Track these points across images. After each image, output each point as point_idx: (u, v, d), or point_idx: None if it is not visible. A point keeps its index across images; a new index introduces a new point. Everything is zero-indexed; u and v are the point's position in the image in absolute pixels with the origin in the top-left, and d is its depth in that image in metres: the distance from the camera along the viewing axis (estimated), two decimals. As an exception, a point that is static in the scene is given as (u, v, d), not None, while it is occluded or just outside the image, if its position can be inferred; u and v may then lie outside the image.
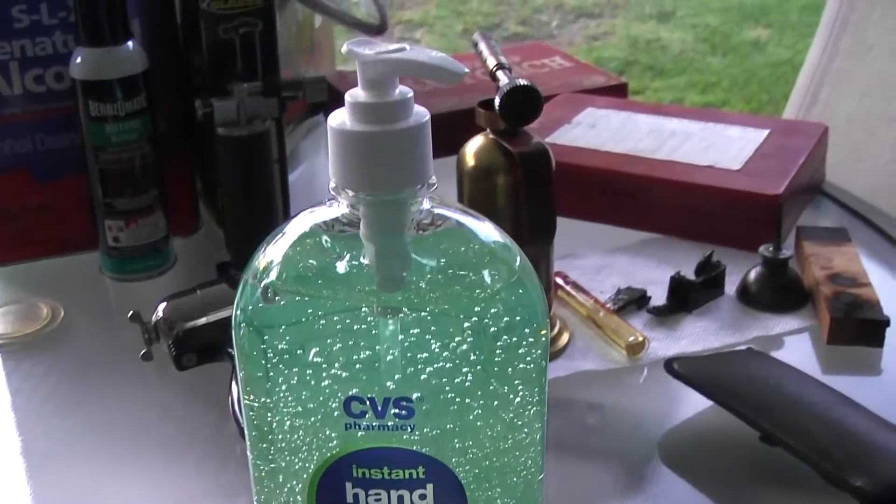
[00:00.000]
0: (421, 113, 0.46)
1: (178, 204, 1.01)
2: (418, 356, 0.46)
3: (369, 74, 0.45)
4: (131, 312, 0.81)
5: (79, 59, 0.90)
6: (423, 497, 0.48)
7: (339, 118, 0.46)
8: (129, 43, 0.91)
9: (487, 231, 0.49)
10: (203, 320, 0.81)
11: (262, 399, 0.49)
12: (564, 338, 0.86)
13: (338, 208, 0.47)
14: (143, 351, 0.81)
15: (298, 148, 1.24)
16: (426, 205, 0.47)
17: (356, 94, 0.45)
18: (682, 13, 4.58)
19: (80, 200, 0.97)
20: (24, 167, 0.98)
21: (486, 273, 0.48)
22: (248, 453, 0.52)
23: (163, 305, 0.82)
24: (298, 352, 0.47)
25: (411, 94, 0.45)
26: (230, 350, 0.79)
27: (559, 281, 0.91)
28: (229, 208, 0.94)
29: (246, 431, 0.52)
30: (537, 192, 0.77)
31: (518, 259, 0.49)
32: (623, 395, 0.82)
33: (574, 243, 0.98)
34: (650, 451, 0.76)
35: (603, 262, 0.98)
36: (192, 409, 0.80)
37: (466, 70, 0.45)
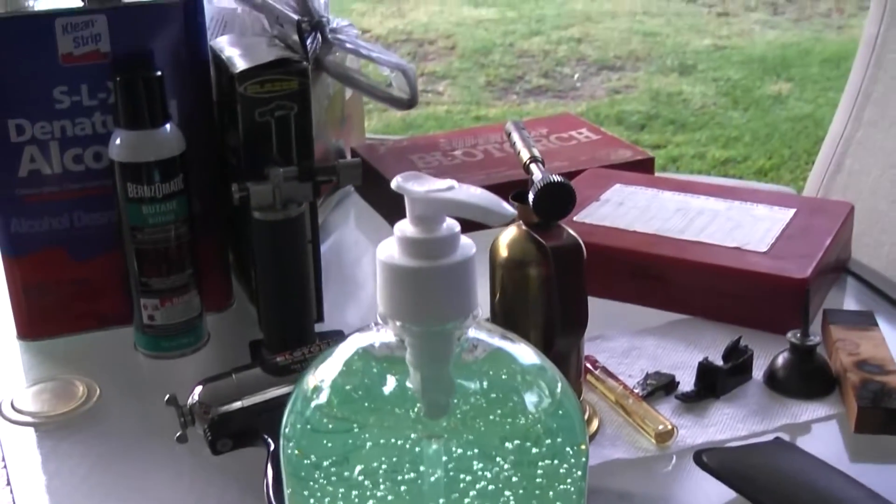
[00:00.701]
0: (467, 245, 0.47)
1: (211, 280, 1.03)
2: (461, 477, 0.47)
3: (418, 211, 0.46)
4: (168, 396, 0.82)
5: (118, 141, 0.92)
6: None
7: (388, 250, 0.47)
8: (167, 126, 0.93)
9: (527, 355, 0.50)
10: (238, 405, 0.82)
11: (307, 514, 0.50)
12: (594, 424, 0.87)
13: (385, 333, 0.49)
14: (178, 434, 0.82)
15: (328, 220, 1.26)
16: (471, 333, 0.48)
17: (405, 229, 0.47)
18: (704, 67, 4.60)
19: (116, 277, 0.99)
20: (61, 244, 1.00)
21: (527, 397, 0.49)
22: (292, 565, 0.53)
23: (198, 389, 0.83)
24: (345, 472, 0.48)
25: (458, 228, 0.46)
26: (265, 436, 0.80)
27: (588, 366, 0.92)
28: (262, 289, 0.95)
29: (290, 543, 0.53)
30: (570, 286, 0.78)
31: (558, 382, 0.50)
32: (652, 484, 0.83)
33: (602, 324, 0.99)
34: (680, 542, 0.77)
35: (631, 344, 0.99)
36: (227, 495, 0.81)
37: (514, 212, 0.46)
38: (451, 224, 0.47)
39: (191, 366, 0.96)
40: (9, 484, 0.83)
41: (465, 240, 0.47)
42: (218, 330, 1.02)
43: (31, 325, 1.02)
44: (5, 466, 0.85)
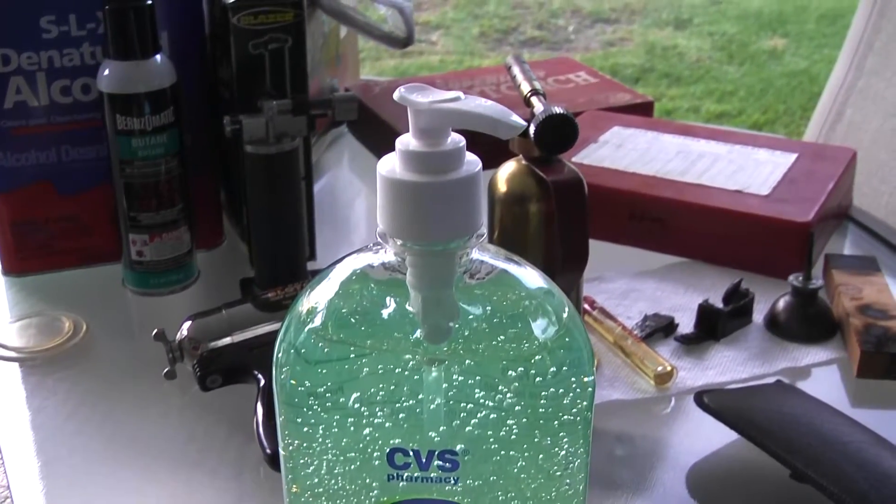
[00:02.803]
0: (472, 162, 0.45)
1: (202, 217, 1.00)
2: (462, 405, 0.46)
3: (422, 123, 0.44)
4: (156, 331, 0.80)
5: (107, 72, 0.90)
6: (463, 548, 0.47)
7: (389, 164, 0.45)
8: (158, 56, 0.90)
9: (533, 279, 0.48)
10: (228, 340, 0.80)
11: (301, 443, 0.48)
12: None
13: (384, 254, 0.47)
14: (166, 370, 0.81)
15: (321, 160, 1.23)
16: (475, 254, 0.46)
17: (407, 142, 0.45)
18: (700, 21, 4.56)
19: (104, 213, 0.97)
20: (48, 179, 0.97)
21: (532, 323, 0.47)
22: (285, 496, 0.51)
23: (188, 324, 0.81)
24: (340, 399, 0.46)
25: (464, 142, 0.44)
26: (256, 372, 0.78)
27: (586, 306, 0.91)
28: (255, 225, 0.93)
29: (283, 473, 0.51)
30: (571, 222, 0.76)
31: (566, 308, 0.48)
32: (651, 425, 0.82)
33: (601, 266, 0.97)
34: (679, 483, 0.75)
35: (630, 286, 0.97)
36: (216, 432, 0.80)
37: (524, 123, 0.44)
38: (456, 138, 0.45)
39: (180, 303, 0.94)
40: (-7, 419, 0.81)
41: (470, 156, 0.45)
42: (208, 268, 1.00)
43: (17, 261, 1.00)
44: (-11, 401, 0.83)
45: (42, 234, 0.99)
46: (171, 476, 0.76)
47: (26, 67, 0.93)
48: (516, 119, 0.44)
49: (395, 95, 0.44)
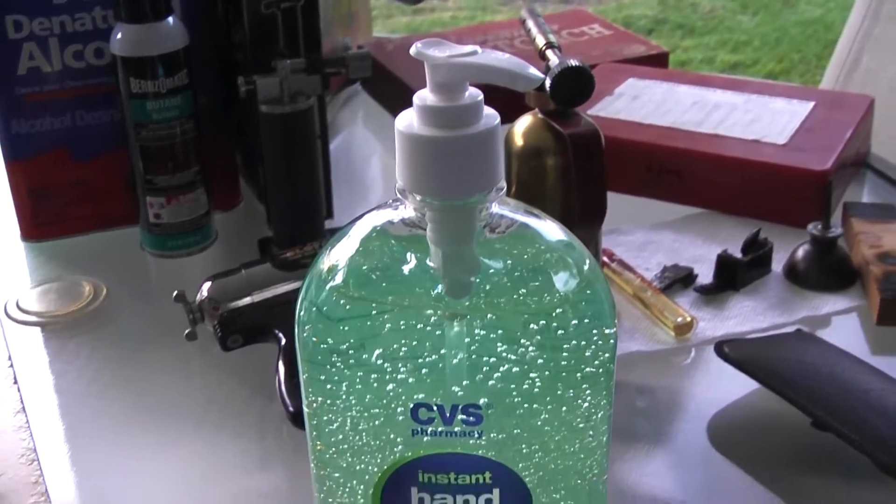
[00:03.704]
0: (491, 115, 0.45)
1: (219, 179, 1.00)
2: (485, 360, 0.46)
3: (440, 78, 0.43)
4: (176, 293, 0.80)
5: (119, 36, 0.90)
6: (488, 502, 0.48)
7: (407, 120, 0.45)
8: (170, 19, 0.90)
9: (554, 232, 0.48)
10: (248, 300, 0.80)
11: (325, 400, 0.48)
12: (611, 318, 0.85)
13: (404, 210, 0.47)
14: (187, 331, 0.81)
15: (336, 119, 1.23)
16: (494, 208, 0.46)
17: (425, 97, 0.44)
18: (712, -30, 4.53)
19: (120, 177, 0.97)
20: (63, 144, 0.97)
21: (553, 276, 0.47)
22: (310, 453, 0.51)
23: (207, 285, 0.81)
24: (363, 355, 0.46)
25: (481, 96, 0.44)
26: (276, 331, 0.79)
27: (605, 259, 0.91)
28: (271, 185, 0.93)
29: (307, 430, 0.51)
30: (588, 175, 0.75)
31: (587, 260, 0.48)
32: (671, 376, 0.82)
33: (618, 219, 0.96)
34: (700, 434, 0.75)
35: (648, 238, 0.97)
36: (238, 392, 0.80)
37: (542, 76, 0.44)
38: (473, 92, 0.44)
39: (199, 265, 0.95)
40: (16, 383, 0.81)
41: (488, 110, 0.45)
42: (226, 229, 1.00)
43: (35, 227, 1.00)
44: (12, 366, 0.83)
45: (59, 199, 0.99)
46: (194, 437, 0.76)
47: (38, 33, 0.93)
48: (534, 71, 0.43)
49: (412, 51, 0.44)
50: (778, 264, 0.92)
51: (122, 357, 0.85)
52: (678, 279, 0.90)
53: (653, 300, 0.86)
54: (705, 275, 0.91)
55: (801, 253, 0.91)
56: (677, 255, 0.94)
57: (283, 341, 0.78)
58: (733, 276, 0.89)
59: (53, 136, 0.97)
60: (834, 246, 0.90)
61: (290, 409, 0.74)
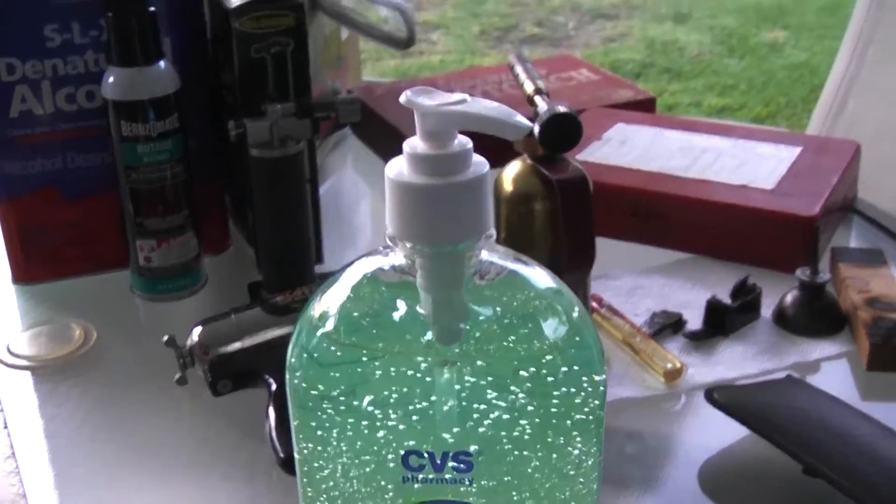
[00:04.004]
0: (480, 163, 0.45)
1: (208, 222, 1.01)
2: (475, 407, 0.46)
3: (429, 126, 0.44)
4: (166, 337, 0.80)
5: (111, 79, 0.90)
6: (478, 548, 0.48)
7: (397, 168, 0.45)
8: (161, 62, 0.91)
9: (543, 279, 0.49)
10: (238, 345, 0.80)
11: (315, 447, 0.48)
12: (601, 363, 0.85)
13: (394, 257, 0.47)
14: (177, 375, 0.81)
15: (325, 162, 1.23)
16: (484, 255, 0.47)
17: (415, 145, 0.45)
18: (699, 14, 4.56)
19: (110, 219, 0.97)
20: (54, 186, 0.98)
21: (542, 323, 0.47)
22: (300, 499, 0.51)
23: (198, 329, 0.81)
24: (354, 402, 0.46)
25: (470, 144, 0.45)
26: (266, 376, 0.79)
27: (594, 304, 0.91)
28: (261, 229, 0.93)
29: (298, 476, 0.51)
30: (576, 220, 0.76)
31: (575, 307, 0.48)
32: (661, 422, 0.82)
33: (607, 264, 0.96)
34: (691, 481, 0.75)
35: (636, 283, 0.98)
36: (228, 435, 0.80)
37: (531, 125, 0.44)
38: (462, 140, 0.45)
39: (189, 308, 0.95)
40: (6, 427, 0.81)
41: (477, 157, 0.45)
42: (216, 273, 1.00)
43: (26, 269, 1.00)
44: (2, 410, 0.83)
45: (49, 240, 0.99)
46: (184, 481, 0.76)
47: (31, 76, 0.94)
48: (522, 120, 0.44)
49: (402, 99, 0.44)
50: (767, 309, 0.92)
51: (113, 400, 0.85)
52: (667, 325, 0.90)
53: (642, 346, 0.87)
54: (694, 320, 0.91)
55: (789, 298, 0.91)
56: (666, 300, 0.94)
57: (273, 386, 0.78)
58: (722, 322, 0.90)
59: (45, 177, 0.97)
60: (822, 291, 0.91)
61: (281, 454, 0.74)
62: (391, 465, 0.46)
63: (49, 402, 0.86)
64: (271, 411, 0.76)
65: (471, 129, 0.44)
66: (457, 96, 0.44)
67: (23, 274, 1.00)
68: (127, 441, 0.80)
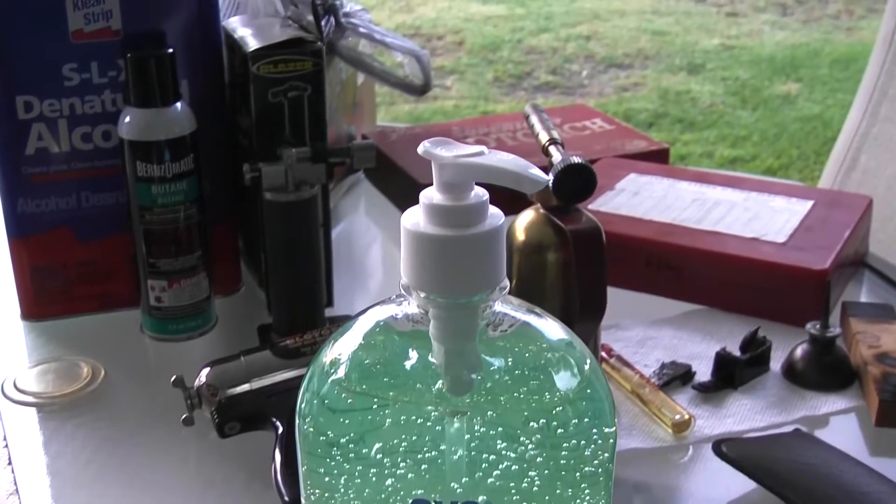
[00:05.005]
0: (496, 215, 0.45)
1: (220, 264, 1.01)
2: (484, 457, 0.46)
3: (447, 177, 0.44)
4: (174, 377, 0.80)
5: (127, 119, 0.91)
6: None
7: (413, 218, 0.45)
8: (178, 104, 0.91)
9: (555, 331, 0.49)
10: (246, 387, 0.80)
11: (323, 493, 0.48)
12: (609, 414, 0.85)
13: (407, 306, 0.47)
14: (184, 416, 0.81)
15: (338, 206, 1.24)
16: (497, 307, 0.47)
17: (431, 196, 0.45)
18: (713, 66, 4.58)
19: (123, 259, 0.98)
20: (68, 225, 0.98)
21: (554, 375, 0.47)
22: (306, 546, 0.51)
23: (206, 371, 0.81)
24: (363, 449, 0.46)
25: (486, 196, 0.45)
26: (274, 419, 0.78)
27: (603, 354, 0.91)
28: (273, 272, 0.93)
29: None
30: (589, 272, 0.76)
31: (587, 359, 0.48)
32: (669, 474, 0.81)
33: (618, 314, 0.96)
34: (697, 534, 0.75)
35: (646, 334, 0.97)
36: (234, 478, 0.80)
37: (547, 178, 0.44)
38: (479, 192, 0.45)
39: (198, 349, 0.95)
40: (10, 464, 0.81)
41: (493, 209, 0.45)
42: (226, 314, 1.00)
43: (36, 306, 1.00)
44: (7, 446, 0.83)
45: (61, 279, 1.00)
46: (189, 523, 0.76)
47: (48, 114, 0.94)
48: (539, 174, 0.44)
49: (420, 150, 0.44)
50: (776, 363, 0.92)
51: (119, 440, 0.85)
52: (676, 376, 0.90)
53: (651, 397, 0.86)
54: (704, 372, 0.91)
55: (799, 352, 0.91)
56: (676, 351, 0.94)
57: (280, 430, 0.77)
58: (732, 375, 0.89)
59: (59, 215, 0.98)
60: (832, 345, 0.90)
61: (286, 498, 0.74)
62: (399, 513, 0.46)
63: (54, 439, 0.86)
64: (277, 454, 0.76)
65: (488, 181, 0.44)
66: (474, 148, 0.44)
67: (33, 311, 1.00)
68: (132, 481, 0.80)
